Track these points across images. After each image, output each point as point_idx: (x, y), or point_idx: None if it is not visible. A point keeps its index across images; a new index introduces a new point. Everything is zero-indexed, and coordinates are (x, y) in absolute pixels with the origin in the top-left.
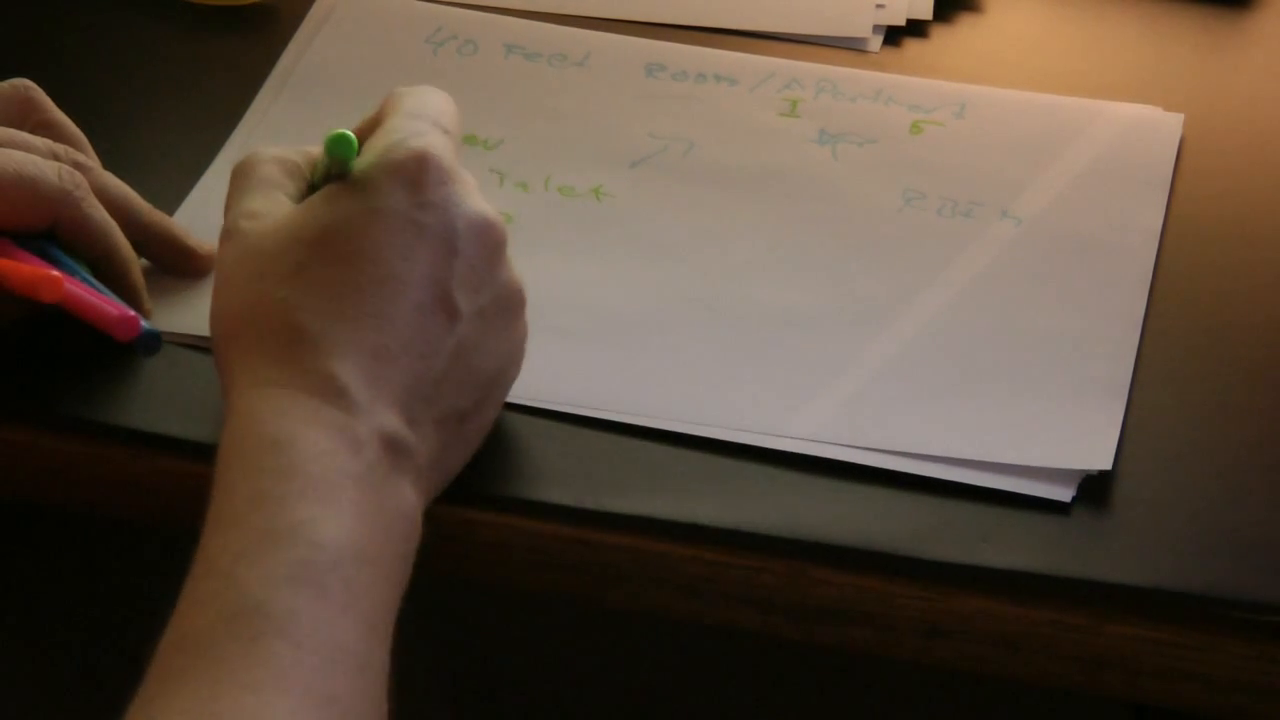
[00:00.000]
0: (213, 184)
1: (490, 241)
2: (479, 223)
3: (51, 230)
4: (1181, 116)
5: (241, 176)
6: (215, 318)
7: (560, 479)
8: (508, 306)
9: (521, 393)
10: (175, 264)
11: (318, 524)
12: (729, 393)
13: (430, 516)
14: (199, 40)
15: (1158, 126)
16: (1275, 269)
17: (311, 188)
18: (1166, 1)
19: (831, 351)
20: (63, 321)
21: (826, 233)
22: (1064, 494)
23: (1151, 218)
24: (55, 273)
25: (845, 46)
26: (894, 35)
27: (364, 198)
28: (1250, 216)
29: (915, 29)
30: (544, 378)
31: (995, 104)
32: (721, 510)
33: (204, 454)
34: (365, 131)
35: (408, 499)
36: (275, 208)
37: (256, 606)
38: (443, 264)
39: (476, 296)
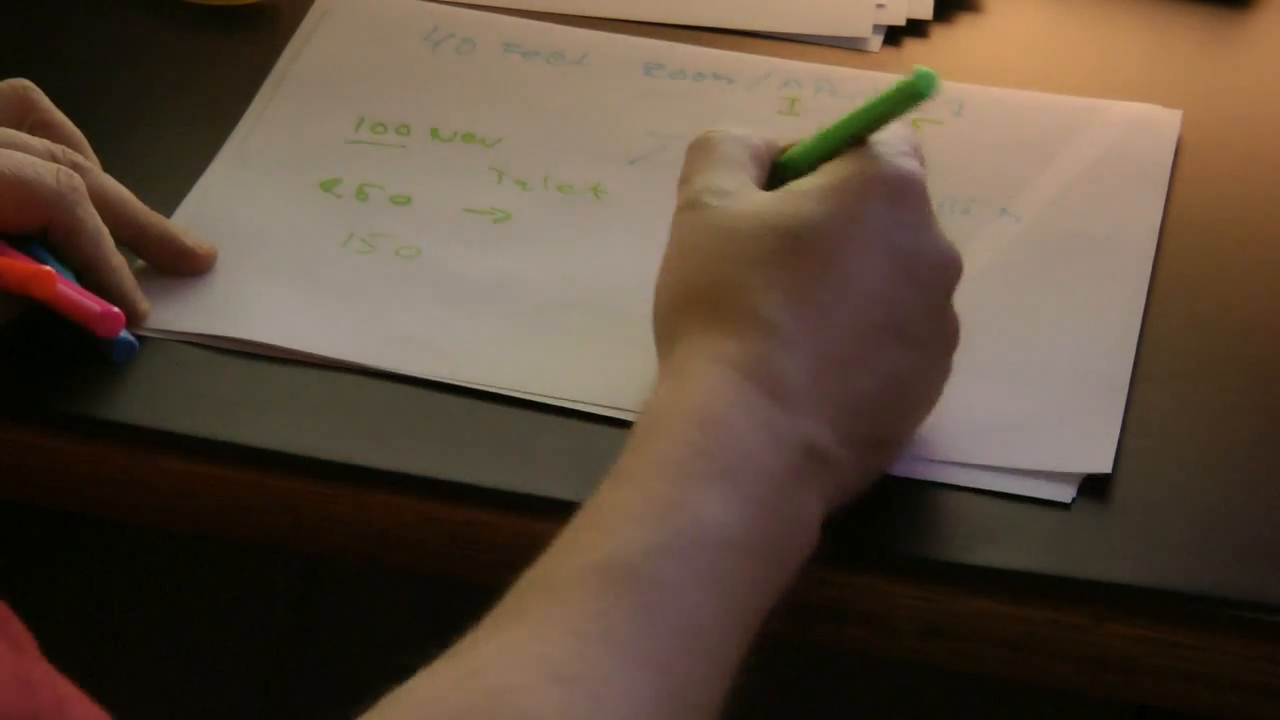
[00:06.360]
0: (212, 184)
1: (951, 277)
2: (947, 256)
3: (43, 232)
4: (1179, 112)
5: (704, 150)
6: (668, 284)
7: (561, 477)
8: (948, 344)
9: (521, 390)
10: (173, 264)
11: (715, 507)
12: None
13: (430, 516)
14: (199, 40)
15: (1156, 123)
16: (1275, 269)
17: (771, 173)
18: (1166, 1)
19: None
20: (61, 322)
21: None
22: (1064, 494)
23: (1150, 215)
24: (48, 268)
25: (845, 46)
26: (894, 35)
27: (848, 201)
28: (1250, 215)
29: (915, 29)
30: (544, 375)
31: (994, 103)
32: None
33: (204, 452)
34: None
35: (810, 510)
36: (744, 189)
37: (626, 564)
38: (906, 288)
39: (927, 326)
